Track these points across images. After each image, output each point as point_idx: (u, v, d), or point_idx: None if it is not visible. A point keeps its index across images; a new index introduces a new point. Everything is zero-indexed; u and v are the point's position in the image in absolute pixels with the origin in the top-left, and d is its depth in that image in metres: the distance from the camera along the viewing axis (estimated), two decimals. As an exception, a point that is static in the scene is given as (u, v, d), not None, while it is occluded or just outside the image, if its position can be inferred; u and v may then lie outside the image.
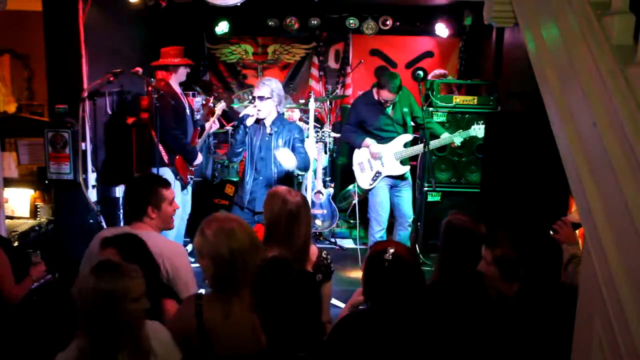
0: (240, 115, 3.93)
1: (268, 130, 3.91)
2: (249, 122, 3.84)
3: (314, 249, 2.64)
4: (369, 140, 4.53)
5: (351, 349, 1.93)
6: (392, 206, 4.63)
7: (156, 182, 2.62)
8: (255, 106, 3.86)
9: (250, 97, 3.95)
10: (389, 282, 1.95)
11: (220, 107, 5.09)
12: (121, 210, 4.77)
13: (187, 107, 4.48)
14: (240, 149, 3.92)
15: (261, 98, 3.84)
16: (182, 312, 2.02)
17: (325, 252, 2.67)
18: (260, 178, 3.91)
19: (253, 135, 3.94)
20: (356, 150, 4.64)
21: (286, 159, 3.74)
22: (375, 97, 4.49)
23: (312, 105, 4.18)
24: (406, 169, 4.47)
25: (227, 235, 1.93)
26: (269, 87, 3.85)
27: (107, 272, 1.74)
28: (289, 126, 3.97)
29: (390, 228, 4.79)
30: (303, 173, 4.14)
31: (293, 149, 3.87)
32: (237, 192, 4.16)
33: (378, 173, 4.52)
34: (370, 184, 4.58)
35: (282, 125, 3.92)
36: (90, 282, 1.71)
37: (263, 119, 3.90)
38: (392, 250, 1.96)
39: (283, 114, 4.04)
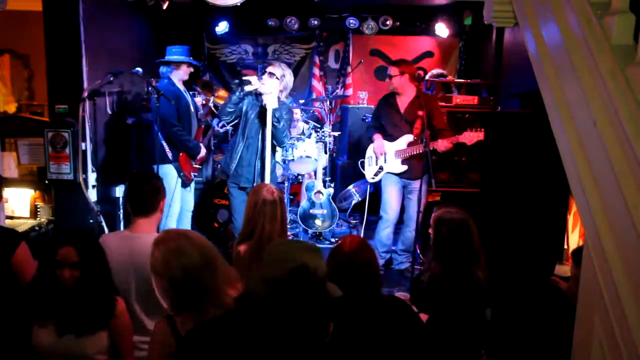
0: (244, 78, 3.93)
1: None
2: (248, 88, 3.88)
3: None
4: (375, 136, 4.63)
5: None
6: (403, 207, 4.68)
7: (157, 177, 2.66)
8: (261, 79, 3.93)
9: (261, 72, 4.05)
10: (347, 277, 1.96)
11: None
12: (121, 210, 4.76)
13: (192, 105, 4.49)
14: (232, 109, 3.93)
15: (271, 74, 3.91)
16: (159, 335, 1.87)
17: None
18: (247, 153, 3.98)
19: (249, 109, 3.99)
20: (371, 144, 4.74)
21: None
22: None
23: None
24: (404, 168, 4.47)
25: (176, 254, 1.86)
26: (283, 71, 3.93)
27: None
28: (280, 106, 3.97)
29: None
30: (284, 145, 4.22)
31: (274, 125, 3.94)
32: (225, 159, 4.15)
33: (381, 168, 4.62)
34: (373, 178, 4.69)
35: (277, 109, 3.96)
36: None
37: (261, 95, 3.92)
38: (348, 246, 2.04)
39: (284, 103, 4.06)
